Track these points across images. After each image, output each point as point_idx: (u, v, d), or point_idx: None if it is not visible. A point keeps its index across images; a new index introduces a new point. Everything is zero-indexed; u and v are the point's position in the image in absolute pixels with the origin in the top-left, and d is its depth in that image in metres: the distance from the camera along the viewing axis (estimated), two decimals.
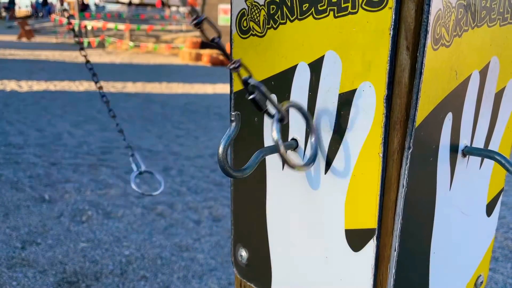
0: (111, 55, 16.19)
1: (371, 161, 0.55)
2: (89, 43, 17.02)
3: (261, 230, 0.72)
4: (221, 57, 14.42)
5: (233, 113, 0.56)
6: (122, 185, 4.65)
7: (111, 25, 17.63)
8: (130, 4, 27.76)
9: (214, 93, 10.15)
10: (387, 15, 0.51)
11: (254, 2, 0.67)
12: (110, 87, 10.03)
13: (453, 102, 0.58)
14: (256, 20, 0.67)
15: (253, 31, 0.68)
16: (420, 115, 0.53)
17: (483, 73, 0.63)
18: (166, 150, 5.88)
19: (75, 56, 14.95)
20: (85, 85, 9.99)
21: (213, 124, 7.40)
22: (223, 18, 16.20)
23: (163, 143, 6.15)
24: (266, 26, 0.66)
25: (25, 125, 6.58)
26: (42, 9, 32.16)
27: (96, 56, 15.50)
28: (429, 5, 0.48)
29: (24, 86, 9.41)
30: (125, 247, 3.50)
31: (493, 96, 0.66)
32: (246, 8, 0.68)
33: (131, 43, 17.14)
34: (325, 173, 0.61)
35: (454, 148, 0.61)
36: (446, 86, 0.56)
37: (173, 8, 30.16)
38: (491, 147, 0.70)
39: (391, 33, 0.51)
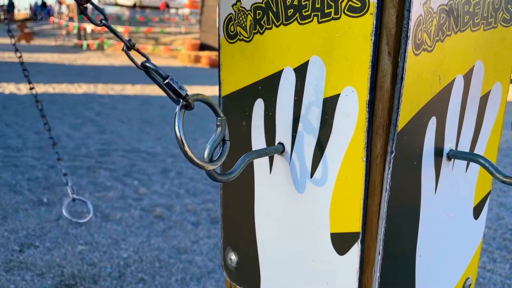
0: (110, 57, 16.20)
1: (355, 165, 0.56)
2: (88, 45, 17.04)
3: (249, 233, 0.72)
4: None
5: (218, 118, 0.56)
6: (120, 187, 4.65)
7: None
8: (134, 6, 27.83)
9: (213, 95, 10.16)
10: (368, 20, 0.51)
11: (241, 7, 0.67)
12: (109, 89, 10.04)
13: (436, 106, 0.59)
14: (243, 25, 0.68)
15: (240, 36, 0.68)
16: (403, 119, 0.53)
17: (467, 77, 0.63)
18: (165, 152, 5.89)
19: (74, 59, 14.97)
20: (84, 88, 10.00)
21: (211, 126, 7.41)
22: None
23: (161, 145, 6.15)
24: (253, 31, 0.66)
25: (23, 128, 6.59)
26: (41, 11, 32.21)
27: (95, 59, 15.51)
28: (409, 11, 0.49)
29: (23, 88, 9.42)
30: (123, 249, 3.50)
31: (478, 99, 0.67)
32: (233, 13, 0.68)
33: None
34: (311, 177, 0.62)
35: (438, 152, 0.62)
36: (429, 91, 0.56)
37: (172, 10, 30.20)
38: (477, 150, 0.70)
39: (373, 38, 0.51)
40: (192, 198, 4.45)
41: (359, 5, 0.52)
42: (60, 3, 33.06)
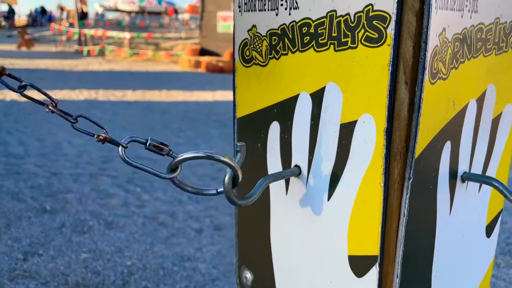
0: (110, 63, 16.24)
1: (373, 190, 0.57)
2: (88, 51, 17.08)
3: (265, 253, 0.74)
4: (220, 64, 14.48)
5: (238, 144, 0.58)
6: (123, 194, 4.66)
7: (110, 33, 17.72)
8: (143, 13, 27.92)
9: (213, 100, 10.19)
10: (385, 51, 0.52)
11: (257, 32, 0.69)
12: (110, 95, 10.06)
13: (451, 131, 0.60)
14: (259, 50, 0.69)
15: (255, 60, 0.70)
16: (420, 146, 0.54)
17: (480, 101, 0.64)
18: (167, 159, 5.89)
19: (75, 65, 15.00)
20: (85, 94, 10.01)
21: (212, 131, 7.42)
22: (222, 25, 16.27)
23: None
24: (268, 56, 0.68)
25: (25, 135, 6.60)
26: (41, 18, 32.30)
27: (96, 65, 15.54)
28: (426, 43, 0.50)
29: None
30: (127, 257, 3.51)
31: (490, 122, 0.68)
32: (249, 38, 0.70)
33: (131, 51, 17.21)
34: (328, 200, 0.63)
35: (453, 175, 0.63)
36: (444, 117, 0.58)
37: (172, 16, 30.28)
38: (489, 171, 0.72)
39: (390, 68, 0.53)
40: (195, 204, 4.45)
41: (376, 36, 0.53)
42: (62, 10, 33.18)
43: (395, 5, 0.51)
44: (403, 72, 0.53)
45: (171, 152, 0.55)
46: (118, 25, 22.98)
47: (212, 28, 16.43)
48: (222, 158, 0.52)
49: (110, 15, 29.72)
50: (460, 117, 0.61)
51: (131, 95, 10.24)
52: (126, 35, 17.52)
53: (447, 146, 0.60)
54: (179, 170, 0.56)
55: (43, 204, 4.30)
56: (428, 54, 0.51)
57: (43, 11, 32.83)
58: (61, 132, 6.81)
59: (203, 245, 3.66)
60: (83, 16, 25.75)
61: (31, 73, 12.62)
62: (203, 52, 16.51)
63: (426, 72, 0.51)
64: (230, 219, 4.16)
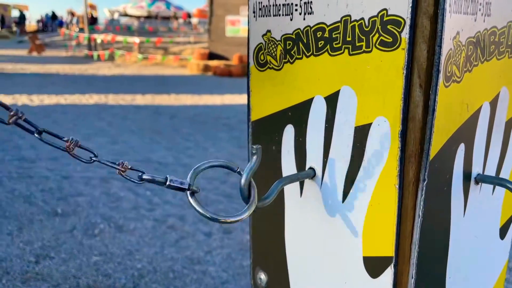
0: (120, 67, 16.37)
1: (388, 191, 0.58)
2: (98, 56, 17.24)
3: (280, 254, 0.74)
4: (229, 68, 14.53)
5: (254, 146, 0.59)
6: (133, 198, 4.69)
7: (120, 38, 17.88)
8: (156, 17, 28.15)
9: (222, 104, 10.23)
10: (400, 55, 0.53)
11: (271, 37, 0.70)
12: (120, 99, 10.14)
13: (465, 133, 0.61)
14: (273, 54, 0.70)
15: (270, 65, 0.71)
16: (434, 148, 0.55)
17: (493, 104, 0.65)
18: (176, 162, 5.92)
19: (85, 69, 15.14)
20: (95, 98, 10.10)
21: (221, 135, 7.44)
22: (230, 29, 16.34)
23: (172, 155, 6.19)
24: (283, 60, 0.69)
25: (36, 139, 6.67)
26: (52, 23, 32.67)
27: (105, 69, 15.68)
28: (440, 46, 0.51)
29: (35, 100, 9.55)
30: (137, 260, 3.53)
31: (504, 124, 0.69)
32: (263, 42, 0.71)
33: (140, 56, 17.34)
34: (343, 202, 0.64)
35: (467, 177, 0.64)
36: (458, 119, 0.58)
37: (180, 20, 30.46)
38: (503, 173, 0.72)
39: (405, 72, 0.53)
40: (204, 207, 4.46)
41: (391, 40, 0.54)
42: (72, 15, 33.55)
43: (410, 10, 0.52)
44: (418, 75, 0.54)
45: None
46: (127, 30, 23.18)
47: (221, 32, 16.51)
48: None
49: (123, 20, 30.00)
50: (474, 119, 0.62)
51: (140, 99, 10.31)
52: (136, 39, 17.66)
53: (461, 148, 0.61)
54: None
55: (54, 207, 4.35)
56: (442, 58, 0.52)
57: (53, 16, 33.21)
58: (72, 135, 6.87)
59: (212, 248, 3.67)
60: (93, 21, 26.00)
61: (42, 78, 12.76)
62: (211, 56, 16.58)
63: (441, 75, 0.52)
64: (239, 222, 4.17)
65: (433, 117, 0.53)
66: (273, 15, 0.68)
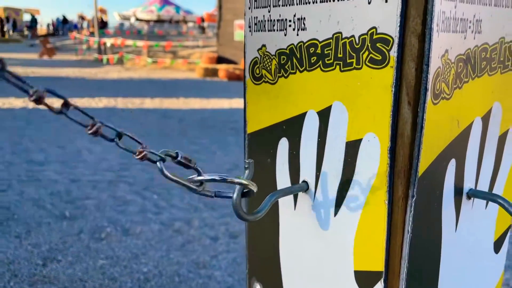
0: (129, 71, 16.50)
1: (377, 207, 0.58)
2: (108, 59, 17.39)
3: (275, 266, 0.75)
4: (237, 72, 14.58)
5: (246, 161, 0.60)
6: (140, 201, 4.72)
7: (129, 42, 18.03)
8: (170, 21, 28.35)
9: (230, 108, 10.26)
10: (389, 73, 0.54)
11: (266, 51, 0.71)
12: (129, 103, 10.22)
13: (455, 149, 0.61)
14: (268, 68, 0.71)
15: (265, 78, 0.72)
16: (423, 164, 0.56)
17: (485, 119, 0.65)
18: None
19: (95, 73, 15.29)
20: (104, 102, 10.20)
21: (229, 139, 7.46)
22: (239, 33, 16.39)
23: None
24: (277, 74, 0.70)
25: (46, 142, 6.74)
26: (63, 27, 33.03)
27: (114, 73, 15.81)
28: (428, 65, 0.52)
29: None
30: (143, 264, 3.54)
31: (497, 139, 0.69)
32: (259, 57, 0.72)
33: (149, 59, 17.47)
34: (335, 216, 0.64)
35: (458, 192, 0.64)
36: (448, 135, 0.59)
37: (190, 24, 30.63)
38: (496, 188, 0.72)
39: (393, 89, 0.54)
40: (211, 212, 4.48)
41: (380, 58, 0.55)
42: (83, 19, 33.90)
43: (398, 29, 0.53)
44: (406, 93, 0.54)
45: (196, 166, 0.59)
46: (138, 34, 23.36)
47: (229, 36, 16.58)
48: (237, 181, 0.56)
49: (136, 24, 30.26)
50: (465, 135, 0.62)
51: (149, 103, 10.39)
52: (144, 43, 17.80)
53: (452, 163, 0.61)
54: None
55: (62, 210, 4.39)
56: (430, 76, 0.52)
57: (64, 20, 33.58)
58: (81, 139, 6.93)
59: (218, 252, 3.68)
60: (103, 25, 26.24)
61: (53, 82, 12.91)
62: (220, 60, 16.65)
63: (429, 93, 0.53)
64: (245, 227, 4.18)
65: (421, 134, 0.54)
66: (268, 30, 0.70)
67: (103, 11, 31.38)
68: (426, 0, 0.51)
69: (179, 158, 0.59)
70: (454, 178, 0.63)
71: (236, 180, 0.56)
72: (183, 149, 7.37)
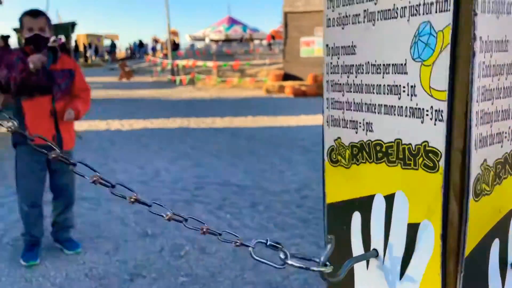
0: (200, 91, 17.29)
1: (433, 278, 0.75)
2: (180, 80, 18.32)
3: None
4: (303, 88, 14.77)
5: (329, 236, 0.78)
6: (214, 220, 4.98)
7: (200, 62, 18.91)
8: (241, 40, 29.33)
9: (297, 125, 10.40)
10: (439, 178, 0.71)
11: (341, 142, 0.90)
12: (201, 122, 10.74)
13: (498, 230, 0.76)
14: (343, 155, 0.90)
15: (340, 163, 0.91)
16: (469, 246, 0.71)
17: None
18: (253, 186, 6.15)
19: (169, 94, 16.19)
20: (178, 122, 10.80)
21: (297, 157, 7.59)
22: (305, 50, 16.64)
23: (249, 178, 6.44)
24: (351, 161, 0.88)
25: (128, 163, 7.29)
26: (139, 50, 35.18)
27: (187, 93, 16.63)
28: (469, 174, 0.68)
29: (126, 125, 10.43)
30: (219, 282, 3.78)
31: None
32: (335, 146, 0.91)
33: (219, 79, 18.19)
34: (400, 279, 0.81)
35: (503, 264, 0.78)
36: (491, 221, 0.74)
37: (256, 41, 31.33)
38: None
39: (443, 190, 0.71)
40: (281, 232, 4.63)
41: (432, 165, 0.72)
42: (157, 42, 35.96)
43: (444, 145, 0.70)
44: (453, 192, 0.70)
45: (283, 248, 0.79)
46: (207, 54, 24.35)
47: (295, 53, 16.85)
48: (317, 269, 0.75)
49: (202, 44, 31.55)
50: (507, 218, 0.76)
51: (219, 122, 10.84)
52: (214, 63, 18.55)
53: (496, 243, 0.76)
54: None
55: (145, 228, 4.76)
56: (471, 181, 0.68)
57: (140, 44, 35.79)
58: (159, 159, 7.44)
59: (290, 273, 3.83)
60: (175, 47, 27.67)
61: (131, 103, 13.87)
62: (286, 77, 16.91)
63: (470, 194, 0.69)
64: (315, 247, 4.29)
65: (466, 226, 0.69)
66: (342, 127, 0.89)
67: (175, 33, 33.02)
68: (465, 123, 0.68)
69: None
70: (499, 253, 0.77)
71: (316, 269, 0.74)
72: (253, 169, 7.55)
